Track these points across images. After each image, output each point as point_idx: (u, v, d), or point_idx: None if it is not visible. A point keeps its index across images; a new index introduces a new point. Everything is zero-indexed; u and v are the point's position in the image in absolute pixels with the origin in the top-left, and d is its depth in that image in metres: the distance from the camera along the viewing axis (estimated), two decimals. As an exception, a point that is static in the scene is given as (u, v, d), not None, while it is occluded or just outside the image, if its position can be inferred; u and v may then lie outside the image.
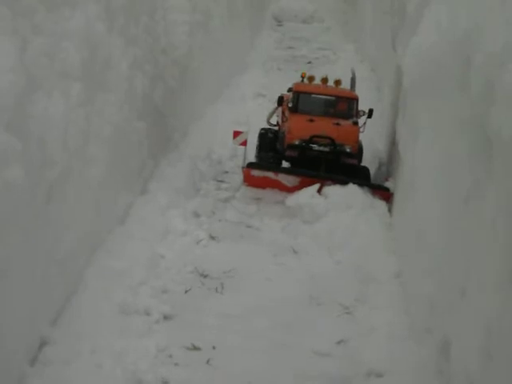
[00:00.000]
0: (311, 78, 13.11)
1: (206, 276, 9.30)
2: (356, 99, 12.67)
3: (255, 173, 11.89)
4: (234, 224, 11.02)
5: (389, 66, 15.18)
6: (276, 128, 13.57)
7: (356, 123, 12.42)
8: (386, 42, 17.02)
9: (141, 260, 9.05)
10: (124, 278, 8.47)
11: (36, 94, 6.78)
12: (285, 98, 13.01)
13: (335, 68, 22.21)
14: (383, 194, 11.56)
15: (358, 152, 12.42)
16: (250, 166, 11.99)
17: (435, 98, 7.97)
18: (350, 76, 13.73)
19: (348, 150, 12.05)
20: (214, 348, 7.66)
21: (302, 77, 13.29)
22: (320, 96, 12.86)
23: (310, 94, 12.84)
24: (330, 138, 11.94)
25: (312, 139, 11.99)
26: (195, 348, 7.62)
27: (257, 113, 15.23)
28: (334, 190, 11.37)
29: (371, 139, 14.77)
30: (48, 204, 7.05)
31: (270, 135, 13.31)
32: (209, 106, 16.90)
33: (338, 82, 12.92)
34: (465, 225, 6.27)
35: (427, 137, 8.46)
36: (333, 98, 12.80)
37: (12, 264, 6.13)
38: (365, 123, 12.63)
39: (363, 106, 12.81)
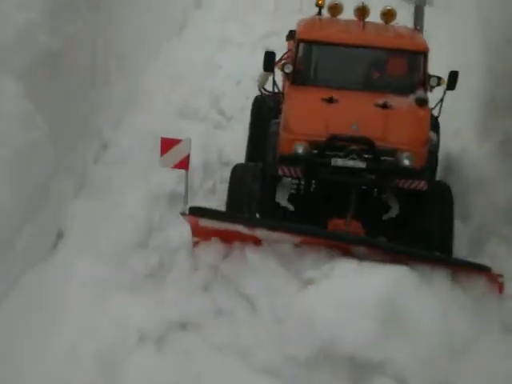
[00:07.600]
0: (335, 8, 7.12)
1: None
2: (424, 52, 6.67)
3: (207, 223, 5.68)
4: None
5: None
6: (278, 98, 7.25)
7: (424, 102, 6.45)
8: None
9: (198, 68, 9.25)
10: (181, 84, 8.72)
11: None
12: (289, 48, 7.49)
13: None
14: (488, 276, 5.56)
15: (428, 164, 6.43)
16: (197, 212, 5.63)
17: None
18: None
19: (407, 162, 6.14)
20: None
21: (319, 5, 7.60)
22: (351, 49, 6.67)
23: (331, 44, 6.69)
24: (367, 141, 6.09)
25: (332, 143, 6.11)
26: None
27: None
28: None
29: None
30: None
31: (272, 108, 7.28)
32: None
33: (388, 14, 6.96)
34: None
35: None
36: (376, 50, 6.73)
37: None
38: (442, 101, 6.82)
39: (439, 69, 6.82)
